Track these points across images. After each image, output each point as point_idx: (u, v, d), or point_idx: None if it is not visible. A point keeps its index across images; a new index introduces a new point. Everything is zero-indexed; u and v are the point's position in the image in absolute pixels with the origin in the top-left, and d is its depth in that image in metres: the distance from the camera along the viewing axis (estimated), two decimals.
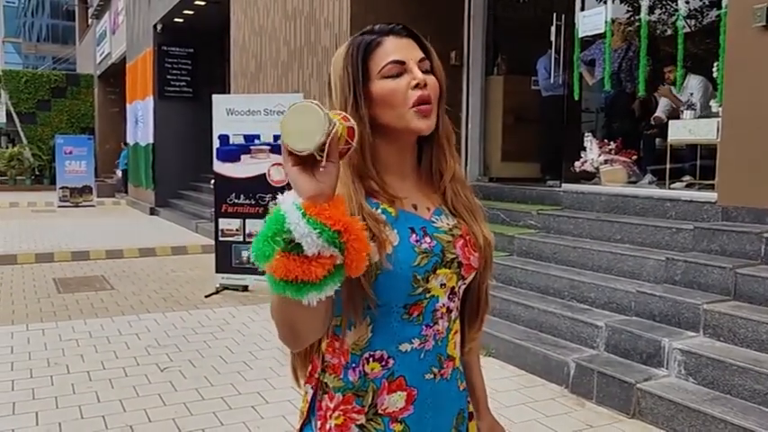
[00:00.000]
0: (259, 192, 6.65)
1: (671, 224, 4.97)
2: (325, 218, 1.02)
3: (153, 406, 3.94)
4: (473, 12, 7.78)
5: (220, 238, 6.84)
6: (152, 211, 14.93)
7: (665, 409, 3.60)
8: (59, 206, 16.18)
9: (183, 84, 14.91)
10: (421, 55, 1.24)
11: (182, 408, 3.92)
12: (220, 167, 6.78)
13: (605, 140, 6.60)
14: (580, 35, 6.41)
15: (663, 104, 6.49)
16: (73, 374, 4.47)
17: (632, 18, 7.00)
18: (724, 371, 3.59)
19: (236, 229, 6.76)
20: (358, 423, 1.25)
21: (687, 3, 6.01)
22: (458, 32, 7.63)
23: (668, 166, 5.92)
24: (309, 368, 1.34)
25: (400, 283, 1.21)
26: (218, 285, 6.94)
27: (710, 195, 4.97)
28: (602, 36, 6.31)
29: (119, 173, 19.62)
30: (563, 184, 6.56)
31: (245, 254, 6.72)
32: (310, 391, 1.31)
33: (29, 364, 4.67)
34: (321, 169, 1.05)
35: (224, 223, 6.82)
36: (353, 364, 1.25)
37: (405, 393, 1.26)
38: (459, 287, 1.30)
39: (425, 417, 1.28)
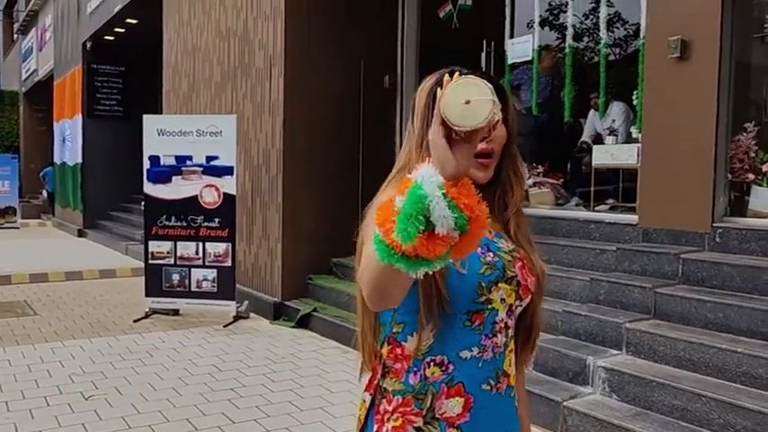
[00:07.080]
0: (190, 214, 6.56)
1: (595, 245, 5.14)
2: (463, 204, 1.02)
3: None
4: (406, 37, 7.90)
5: (150, 261, 6.69)
6: (80, 233, 14.46)
7: (590, 426, 3.70)
8: None
9: (114, 102, 14.59)
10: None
11: None
12: (151, 189, 6.66)
13: (534, 164, 6.79)
14: (509, 62, 6.61)
15: (588, 129, 6.73)
16: None
17: (559, 45, 7.26)
18: (645, 387, 3.72)
19: (167, 252, 6.63)
20: (415, 425, 1.30)
21: (611, 33, 6.28)
22: (392, 57, 7.73)
23: (593, 189, 6.13)
24: (370, 375, 1.38)
25: (467, 287, 1.27)
26: (147, 309, 6.77)
27: (632, 218, 5.17)
28: (530, 63, 6.52)
29: (44, 193, 18.94)
30: None
31: (175, 277, 6.60)
32: (368, 398, 1.37)
33: None
34: (464, 150, 1.06)
35: (154, 246, 6.68)
36: (415, 368, 1.31)
37: (462, 399, 1.31)
38: (517, 306, 1.37)
39: (480, 426, 1.33)
